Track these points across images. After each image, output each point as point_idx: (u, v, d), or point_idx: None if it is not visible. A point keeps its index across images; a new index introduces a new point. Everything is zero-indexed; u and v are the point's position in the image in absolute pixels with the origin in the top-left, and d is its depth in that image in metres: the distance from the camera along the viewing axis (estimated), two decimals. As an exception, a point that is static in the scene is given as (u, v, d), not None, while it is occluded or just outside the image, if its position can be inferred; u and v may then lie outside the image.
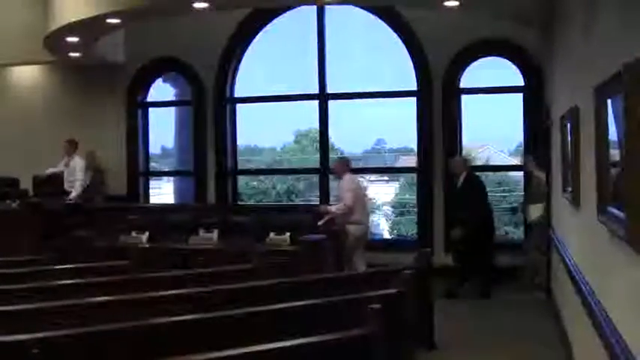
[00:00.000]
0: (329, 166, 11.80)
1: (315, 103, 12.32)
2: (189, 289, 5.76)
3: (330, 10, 12.21)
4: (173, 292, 5.64)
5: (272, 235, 8.75)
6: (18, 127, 13.54)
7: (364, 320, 4.15)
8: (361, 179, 11.56)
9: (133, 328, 4.44)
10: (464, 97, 11.57)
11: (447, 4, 8.77)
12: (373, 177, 16.12)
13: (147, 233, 9.19)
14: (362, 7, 11.75)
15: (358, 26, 13.01)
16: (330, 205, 10.01)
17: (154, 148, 14.24)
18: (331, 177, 11.83)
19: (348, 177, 9.63)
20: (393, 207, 15.93)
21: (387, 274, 6.33)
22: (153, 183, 13.90)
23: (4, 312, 4.95)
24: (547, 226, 9.22)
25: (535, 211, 9.39)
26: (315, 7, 12.02)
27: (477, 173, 10.52)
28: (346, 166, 9.78)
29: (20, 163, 12.50)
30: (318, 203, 12.23)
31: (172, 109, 14.21)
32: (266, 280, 6.22)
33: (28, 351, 3.82)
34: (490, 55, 11.39)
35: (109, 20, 10.18)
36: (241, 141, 13.33)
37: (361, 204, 9.62)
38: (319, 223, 9.04)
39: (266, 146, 16.53)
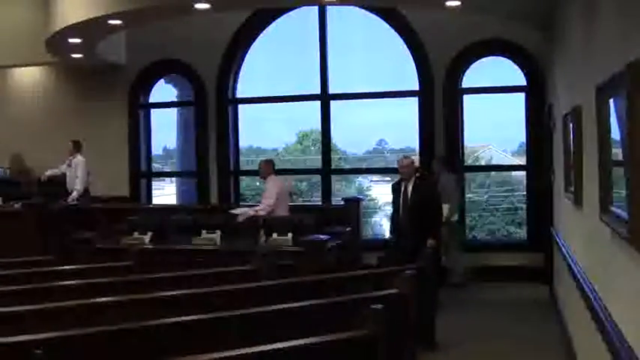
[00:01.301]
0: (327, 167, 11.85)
1: (317, 103, 12.32)
2: (192, 289, 5.77)
3: (332, 11, 12.21)
4: (176, 292, 5.65)
5: (275, 235, 8.75)
6: (20, 128, 13.57)
7: (366, 321, 4.16)
8: (364, 180, 11.60)
9: (136, 328, 4.45)
10: (466, 97, 11.57)
11: (448, 4, 8.77)
12: (375, 177, 16.11)
13: (149, 234, 9.18)
14: (363, 8, 11.76)
15: (359, 26, 13.02)
16: (253, 206, 10.17)
17: (156, 149, 14.27)
18: (336, 178, 11.80)
19: (272, 178, 10.01)
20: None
21: (390, 274, 6.32)
22: (155, 184, 13.92)
23: (7, 313, 4.95)
24: (457, 224, 10.57)
25: (444, 211, 9.46)
26: (316, 7, 12.02)
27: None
28: (271, 167, 10.10)
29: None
30: (320, 203, 12.29)
31: (174, 110, 14.23)
32: (268, 280, 6.23)
33: (32, 352, 3.83)
34: (492, 54, 11.40)
35: (110, 21, 10.19)
36: (243, 142, 13.34)
37: (284, 204, 10.04)
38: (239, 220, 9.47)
39: (268, 147, 16.54)
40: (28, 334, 4.17)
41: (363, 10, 11.86)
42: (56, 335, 4.18)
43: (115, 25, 10.50)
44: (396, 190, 8.89)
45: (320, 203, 12.38)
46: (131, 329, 4.43)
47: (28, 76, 13.88)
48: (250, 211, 9.66)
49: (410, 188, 8.70)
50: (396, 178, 9.12)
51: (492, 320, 8.52)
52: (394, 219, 8.91)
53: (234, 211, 9.75)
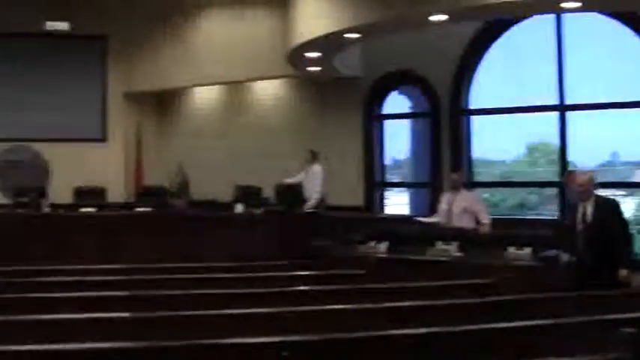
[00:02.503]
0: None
1: (552, 114, 11.93)
2: (425, 301, 5.73)
3: (569, 18, 11.75)
4: (409, 303, 5.63)
5: (511, 249, 8.51)
6: (261, 138, 14.27)
7: (612, 344, 3.92)
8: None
9: (369, 338, 4.46)
10: None
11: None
12: (607, 192, 15.29)
13: (384, 243, 9.25)
14: (604, 14, 11.21)
15: (600, 34, 12.41)
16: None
17: (386, 160, 14.42)
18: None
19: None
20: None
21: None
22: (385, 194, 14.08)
23: (245, 314, 5.16)
24: None
25: None
26: (552, 15, 11.63)
27: None
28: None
29: (263, 173, 13.12)
30: (556, 217, 11.87)
31: (406, 121, 14.32)
32: (506, 295, 6.05)
33: (279, 353, 3.99)
34: None
35: (347, 35, 10.44)
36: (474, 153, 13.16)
37: None
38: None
39: (496, 158, 16.19)
40: (269, 335, 4.32)
41: (603, 17, 11.31)
42: (298, 339, 4.29)
43: (352, 39, 10.75)
44: (572, 208, 7.58)
45: (557, 217, 11.94)
46: (365, 338, 4.44)
47: (269, 89, 14.55)
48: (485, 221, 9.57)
49: (589, 208, 7.27)
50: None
51: None
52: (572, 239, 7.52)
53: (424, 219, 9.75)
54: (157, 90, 15.57)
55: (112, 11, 15.26)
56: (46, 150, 15.28)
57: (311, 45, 10.90)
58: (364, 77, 13.30)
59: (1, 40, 15.10)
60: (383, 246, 9.28)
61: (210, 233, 11.00)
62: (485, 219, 9.65)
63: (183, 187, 13.94)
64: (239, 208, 11.52)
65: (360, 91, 13.40)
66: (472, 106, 12.77)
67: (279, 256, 9.41)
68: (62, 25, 14.46)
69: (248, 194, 12.06)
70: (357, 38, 10.74)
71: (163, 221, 11.63)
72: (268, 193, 12.13)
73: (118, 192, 14.55)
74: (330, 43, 10.85)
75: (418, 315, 5.33)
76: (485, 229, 9.44)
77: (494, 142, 15.03)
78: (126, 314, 5.08)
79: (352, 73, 13.16)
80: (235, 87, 14.88)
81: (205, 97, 15.44)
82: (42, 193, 13.24)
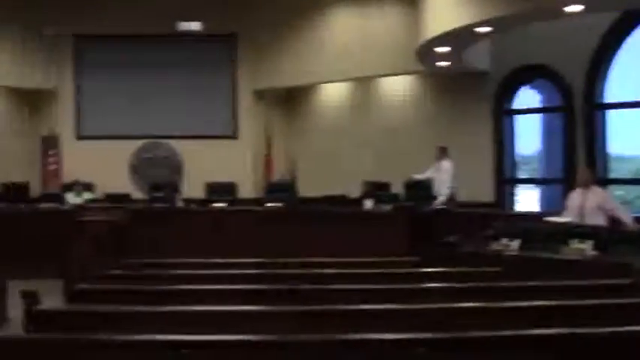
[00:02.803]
0: None
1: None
2: (557, 301, 5.55)
3: None
4: (550, 302, 5.48)
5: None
6: (389, 134, 14.26)
7: None
8: None
9: (509, 337, 4.37)
10: None
11: None
12: None
13: (517, 241, 9.05)
14: None
15: None
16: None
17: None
18: None
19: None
20: None
21: None
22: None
23: (372, 310, 5.15)
24: None
25: None
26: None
27: None
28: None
29: (391, 169, 13.11)
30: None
31: (532, 116, 13.98)
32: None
33: (415, 350, 3.97)
34: None
35: (477, 29, 10.29)
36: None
37: None
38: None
39: (632, 154, 15.59)
40: (404, 332, 4.30)
41: None
42: (436, 336, 4.25)
43: (482, 33, 10.58)
44: None
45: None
46: (500, 337, 4.34)
47: (397, 85, 14.50)
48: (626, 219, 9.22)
49: None
50: None
51: None
52: None
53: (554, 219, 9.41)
54: (286, 87, 15.80)
55: (241, 10, 15.59)
56: (179, 147, 15.80)
57: (441, 39, 10.81)
58: (494, 71, 13.09)
59: (136, 41, 15.70)
60: (515, 243, 9.07)
61: (339, 229, 11.05)
62: (627, 217, 9.28)
63: (292, 184, 14.05)
64: (368, 204, 11.53)
65: (489, 86, 13.20)
66: (607, 100, 12.32)
67: (408, 253, 9.37)
68: (194, 25, 14.86)
69: (377, 190, 12.04)
70: (488, 32, 10.56)
71: (292, 217, 11.76)
72: (397, 189, 12.08)
73: (247, 188, 14.86)
74: (460, 37, 10.73)
75: (559, 314, 5.19)
76: (630, 226, 9.07)
77: (629, 138, 14.49)
78: (259, 307, 5.16)
79: (482, 67, 12.98)
80: (364, 83, 14.92)
81: (334, 93, 15.56)
82: (175, 188, 13.69)
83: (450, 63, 12.29)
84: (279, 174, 15.44)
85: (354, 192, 12.51)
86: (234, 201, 12.62)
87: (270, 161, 15.70)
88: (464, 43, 11.24)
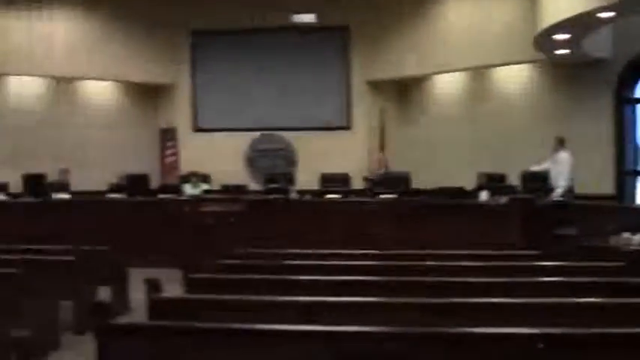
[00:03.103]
0: None
1: None
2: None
3: None
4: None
5: None
6: (505, 124, 14.01)
7: None
8: None
9: (630, 334, 4.21)
10: None
11: None
12: None
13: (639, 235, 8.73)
14: None
15: None
16: None
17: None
18: None
19: None
20: None
21: None
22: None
23: (497, 304, 5.06)
24: None
25: None
26: None
27: None
28: None
29: (507, 160, 12.87)
30: None
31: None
32: None
33: (534, 345, 3.89)
34: None
35: (600, 15, 9.95)
36: None
37: None
38: None
39: None
40: (526, 326, 4.21)
41: None
42: (556, 332, 4.15)
43: (605, 19, 10.23)
44: None
45: None
46: (620, 334, 4.19)
47: (513, 74, 14.19)
48: None
49: None
50: None
51: None
52: None
53: None
54: (399, 77, 15.73)
55: (354, 1, 15.59)
56: (293, 138, 15.97)
57: (561, 26, 10.51)
58: (614, 59, 12.63)
59: (250, 35, 15.96)
60: (638, 238, 8.77)
61: (453, 221, 10.93)
62: None
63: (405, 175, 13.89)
64: (483, 195, 11.36)
65: (609, 74, 12.75)
66: None
67: (524, 246, 9.20)
68: (308, 18, 14.96)
69: (492, 182, 11.84)
70: (611, 17, 10.19)
71: (406, 208, 11.70)
72: (513, 180, 11.84)
73: (360, 179, 14.89)
74: (581, 24, 10.41)
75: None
76: None
77: None
78: (378, 299, 5.16)
79: (602, 54, 12.55)
80: (478, 73, 14.69)
81: (447, 83, 15.38)
82: (290, 179, 13.84)
83: (569, 51, 11.94)
84: (377, 167, 15.26)
85: (469, 184, 12.35)
86: (347, 192, 12.66)
87: (383, 152, 15.66)
88: (584, 29, 10.90)
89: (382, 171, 14.74)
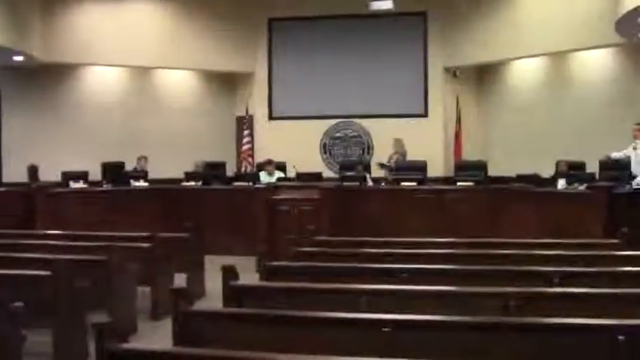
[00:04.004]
0: None
1: None
2: None
3: None
4: None
5: None
6: (585, 110, 13.73)
7: None
8: None
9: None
10: None
11: None
12: None
13: None
14: None
15: None
16: None
17: None
18: None
19: None
20: None
21: None
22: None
23: (583, 295, 4.99)
24: None
25: None
26: None
27: None
28: None
29: (587, 147, 12.60)
30: None
31: None
32: None
33: (615, 337, 3.87)
34: None
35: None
36: None
37: None
38: None
39: None
40: (605, 317, 4.14)
41: None
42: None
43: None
44: None
45: None
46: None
47: (594, 59, 13.87)
48: None
49: None
50: None
51: None
52: None
53: None
54: (477, 63, 15.53)
55: (432, -13, 15.48)
56: (369, 126, 15.94)
57: (642, 10, 10.21)
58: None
59: (327, 22, 15.97)
60: None
61: (532, 209, 10.77)
62: None
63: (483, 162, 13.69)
64: (562, 183, 11.13)
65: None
66: None
67: (604, 235, 8.99)
68: (386, 5, 14.85)
69: (571, 169, 11.60)
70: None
71: (483, 196, 11.57)
72: (593, 168, 11.57)
73: (438, 166, 14.78)
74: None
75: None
76: None
77: None
78: (456, 288, 5.15)
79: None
80: (558, 58, 14.40)
81: (526, 69, 15.13)
82: (366, 167, 13.83)
83: (651, 35, 11.61)
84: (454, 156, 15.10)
85: (548, 171, 12.12)
86: (424, 180, 12.56)
87: (459, 139, 15.52)
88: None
89: (397, 158, 14.52)
